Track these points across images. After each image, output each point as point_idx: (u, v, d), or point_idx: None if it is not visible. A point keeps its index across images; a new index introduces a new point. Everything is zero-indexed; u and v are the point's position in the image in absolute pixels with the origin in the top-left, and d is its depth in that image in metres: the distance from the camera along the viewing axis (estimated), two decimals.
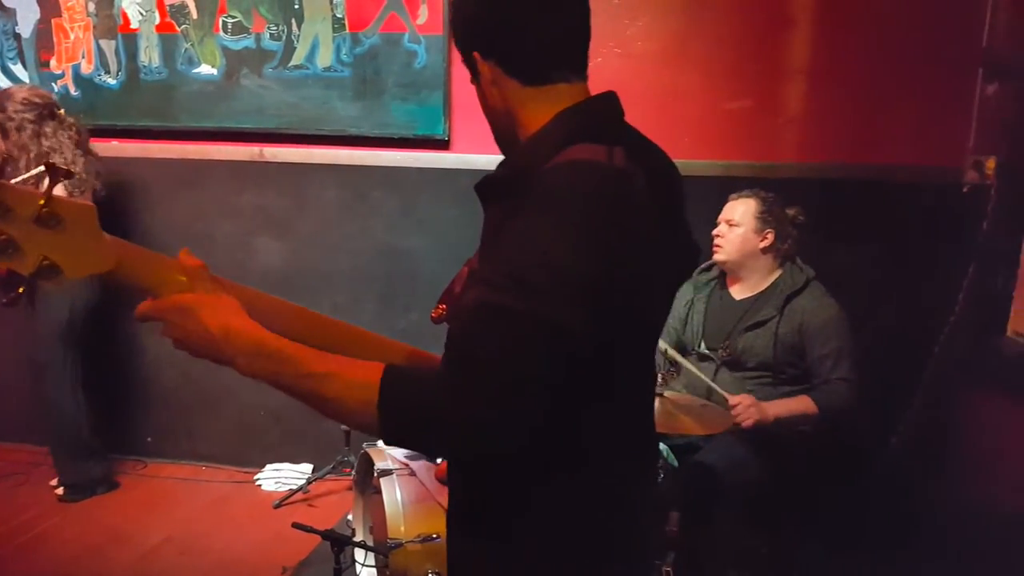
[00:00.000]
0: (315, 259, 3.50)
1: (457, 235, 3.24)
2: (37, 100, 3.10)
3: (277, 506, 3.35)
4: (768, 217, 2.62)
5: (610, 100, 1.12)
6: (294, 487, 3.46)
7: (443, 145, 3.32)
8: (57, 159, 3.03)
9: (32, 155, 3.06)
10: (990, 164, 2.86)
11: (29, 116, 3.07)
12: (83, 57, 3.51)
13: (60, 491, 3.38)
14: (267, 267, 3.49)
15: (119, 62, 3.49)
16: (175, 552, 3.03)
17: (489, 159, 1.17)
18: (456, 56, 3.16)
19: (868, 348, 2.58)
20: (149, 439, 3.79)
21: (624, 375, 1.06)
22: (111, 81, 3.51)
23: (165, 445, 3.77)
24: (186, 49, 3.43)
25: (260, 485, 3.55)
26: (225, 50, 3.39)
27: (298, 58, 3.34)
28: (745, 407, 2.42)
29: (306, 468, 3.61)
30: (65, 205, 0.94)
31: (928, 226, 2.92)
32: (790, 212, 2.67)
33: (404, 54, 3.25)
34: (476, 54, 1.10)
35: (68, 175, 1.00)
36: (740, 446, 2.44)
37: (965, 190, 2.92)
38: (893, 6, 2.96)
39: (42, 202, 0.91)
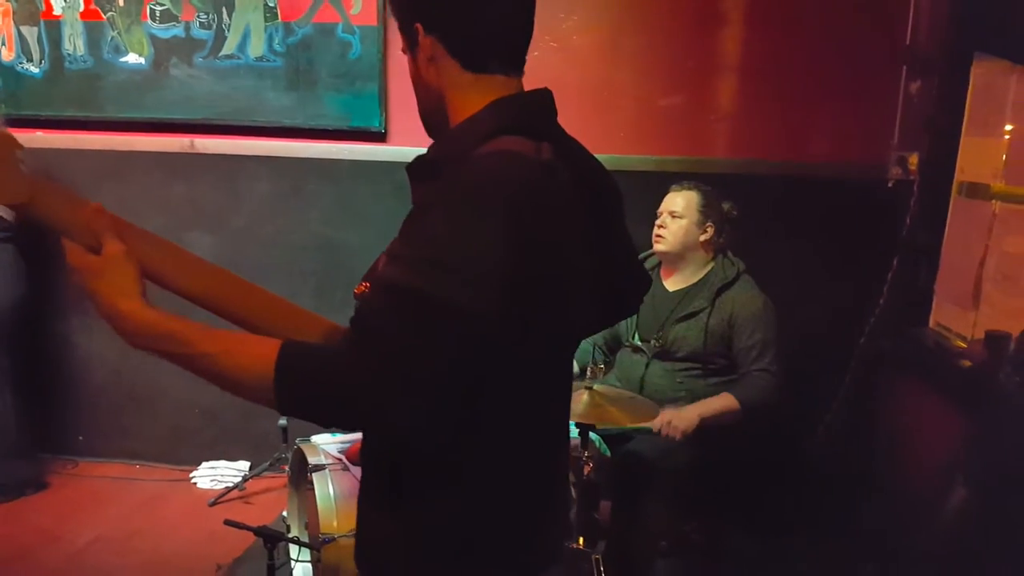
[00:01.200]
0: (249, 253, 3.44)
1: (395, 229, 3.15)
2: None
3: (212, 504, 3.30)
4: (708, 210, 2.67)
5: (544, 97, 1.13)
6: (230, 485, 3.41)
7: (380, 137, 3.29)
8: None
9: None
10: (913, 160, 2.95)
11: None
12: (3, 44, 3.39)
13: None
14: None
15: (42, 50, 3.37)
16: (106, 552, 2.97)
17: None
18: (393, 47, 3.15)
19: (795, 340, 2.64)
20: (80, 438, 3.70)
21: (538, 364, 1.07)
22: (34, 69, 3.40)
23: (97, 444, 3.68)
24: (112, 37, 3.33)
25: (196, 483, 3.49)
26: (153, 39, 3.31)
27: (229, 48, 3.27)
28: (667, 424, 2.45)
29: (243, 466, 3.56)
30: None
31: (853, 221, 2.99)
32: (725, 206, 2.72)
33: (338, 44, 3.21)
34: (418, 26, 1.07)
35: None
36: None
37: (889, 185, 3.01)
38: (820, 6, 3.02)
39: None
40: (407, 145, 3.23)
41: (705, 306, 2.62)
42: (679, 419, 2.46)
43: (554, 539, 1.21)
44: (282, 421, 3.20)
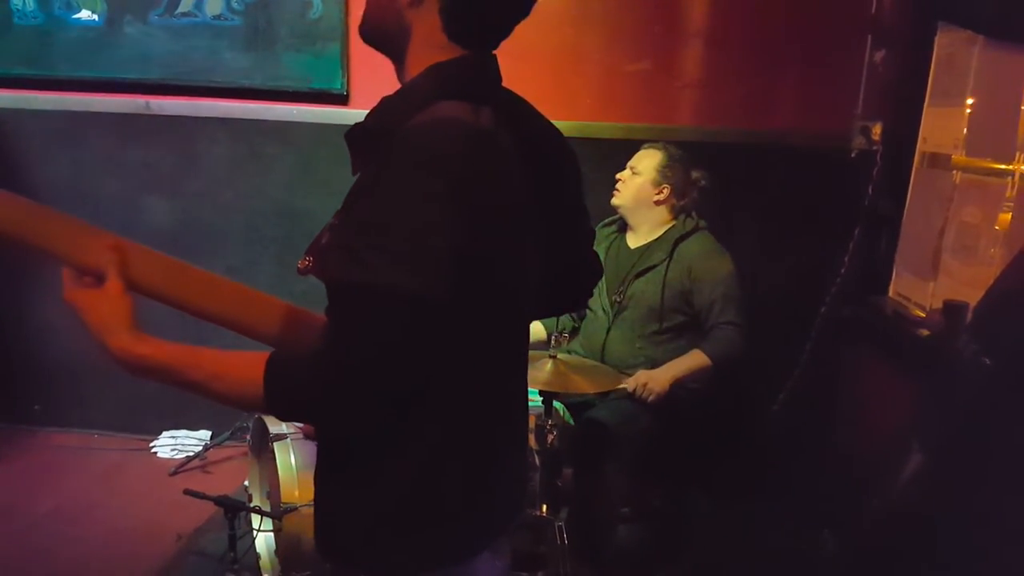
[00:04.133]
0: (207, 219, 3.36)
1: None
2: None
3: (173, 474, 3.26)
4: (668, 172, 2.67)
5: (486, 61, 1.10)
6: (191, 454, 3.37)
7: (341, 100, 3.22)
8: None
9: None
10: (876, 130, 2.96)
11: None
12: None
13: None
14: (155, 228, 3.32)
15: None
16: (63, 522, 2.92)
17: None
18: (355, 7, 3.06)
19: (758, 308, 2.66)
20: (37, 407, 3.63)
21: (493, 335, 1.06)
22: None
23: (54, 413, 3.61)
24: None
25: (156, 453, 3.45)
26: None
27: (185, 5, 3.17)
28: (642, 386, 2.47)
29: (204, 435, 3.52)
30: None
31: (816, 190, 3.00)
32: (694, 174, 2.72)
33: (299, 3, 3.12)
34: None
35: None
36: (631, 401, 2.50)
37: (852, 155, 3.02)
38: None
39: None
40: (370, 108, 3.15)
41: (663, 258, 2.63)
42: (655, 382, 2.48)
43: (510, 507, 1.21)
44: None
